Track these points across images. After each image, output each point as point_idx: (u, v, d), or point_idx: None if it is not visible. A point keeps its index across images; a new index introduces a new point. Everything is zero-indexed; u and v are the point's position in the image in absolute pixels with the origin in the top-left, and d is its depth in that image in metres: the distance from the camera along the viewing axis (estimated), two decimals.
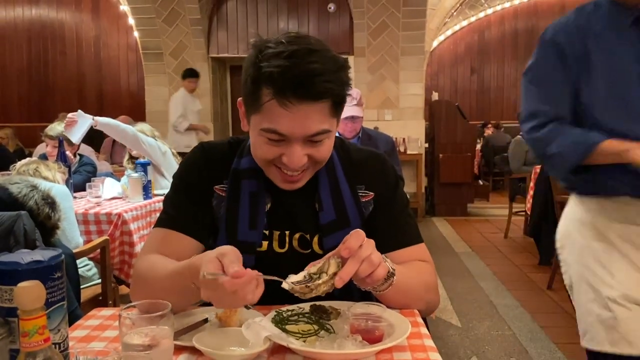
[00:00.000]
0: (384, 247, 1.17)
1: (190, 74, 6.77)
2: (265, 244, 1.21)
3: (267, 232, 1.22)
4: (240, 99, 1.17)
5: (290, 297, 1.10)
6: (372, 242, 1.01)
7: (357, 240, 0.98)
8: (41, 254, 0.78)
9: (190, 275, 0.98)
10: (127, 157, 3.88)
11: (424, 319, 1.14)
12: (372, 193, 1.25)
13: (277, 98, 1.03)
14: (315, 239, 1.21)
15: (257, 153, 1.14)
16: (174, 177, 1.29)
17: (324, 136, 1.09)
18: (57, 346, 0.77)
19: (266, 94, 1.04)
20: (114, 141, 6.14)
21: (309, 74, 1.01)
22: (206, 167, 1.25)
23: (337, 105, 1.09)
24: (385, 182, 1.27)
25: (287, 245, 1.22)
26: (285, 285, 0.97)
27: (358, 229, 1.01)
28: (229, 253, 0.92)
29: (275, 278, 0.97)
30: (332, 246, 1.18)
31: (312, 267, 0.99)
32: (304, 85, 1.01)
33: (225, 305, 0.95)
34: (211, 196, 1.24)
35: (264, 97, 1.05)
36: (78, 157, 3.98)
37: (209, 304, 1.24)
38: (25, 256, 0.77)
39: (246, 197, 1.21)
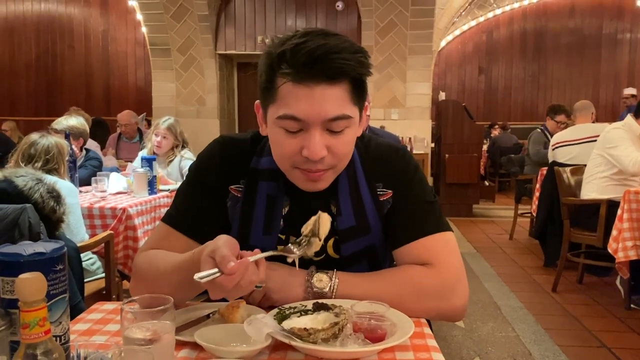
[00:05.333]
0: (397, 242, 1.15)
1: None
2: (280, 249, 1.14)
3: (283, 237, 1.16)
4: (257, 102, 1.12)
5: None
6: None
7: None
8: (43, 246, 0.78)
9: (194, 270, 0.95)
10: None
11: (427, 319, 1.13)
12: (390, 191, 1.18)
13: (292, 78, 0.99)
14: (330, 242, 1.16)
15: (276, 151, 1.08)
16: (190, 169, 1.24)
17: (345, 123, 1.03)
18: (57, 339, 0.77)
19: (280, 78, 1.00)
20: (119, 138, 6.15)
21: (324, 50, 0.97)
22: (223, 165, 1.19)
23: (358, 91, 1.04)
24: (404, 178, 1.18)
25: None
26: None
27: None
28: (220, 248, 0.89)
29: (273, 253, 0.96)
30: (350, 253, 1.16)
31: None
32: (319, 61, 0.97)
33: (237, 295, 0.93)
34: (226, 196, 1.18)
35: (278, 83, 1.01)
36: (84, 151, 3.99)
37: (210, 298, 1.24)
38: (27, 248, 0.77)
39: (263, 199, 1.15)
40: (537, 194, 4.84)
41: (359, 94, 1.05)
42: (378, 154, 1.19)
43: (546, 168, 4.59)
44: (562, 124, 5.55)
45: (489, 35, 11.36)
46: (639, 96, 8.23)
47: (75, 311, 1.12)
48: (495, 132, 10.02)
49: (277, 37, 1.04)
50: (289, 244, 1.01)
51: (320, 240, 1.00)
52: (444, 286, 1.12)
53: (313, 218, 1.01)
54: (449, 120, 7.17)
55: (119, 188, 3.37)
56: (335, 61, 0.97)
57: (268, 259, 0.98)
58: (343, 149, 1.06)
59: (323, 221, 1.01)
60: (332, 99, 1.00)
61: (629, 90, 8.30)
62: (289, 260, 1.03)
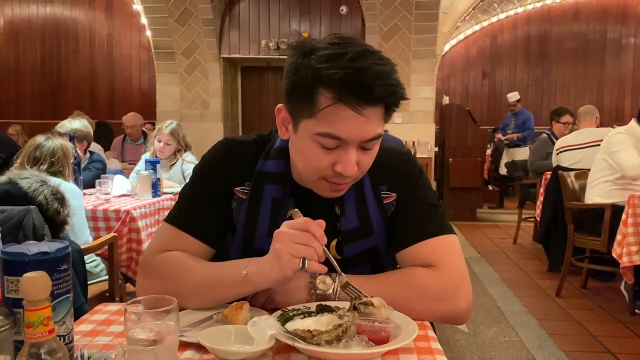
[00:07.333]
0: (400, 244, 1.16)
1: None
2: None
3: None
4: (279, 105, 1.10)
5: None
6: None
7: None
8: (48, 246, 0.78)
9: (244, 264, 1.04)
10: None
11: (431, 323, 1.13)
12: (394, 194, 1.19)
13: (340, 102, 0.98)
14: (333, 243, 1.17)
15: (307, 163, 1.08)
16: (194, 170, 1.24)
17: (376, 142, 1.06)
18: (61, 338, 0.77)
19: (326, 97, 0.99)
20: (124, 140, 6.17)
21: (375, 77, 0.98)
22: (227, 168, 1.19)
23: (391, 109, 1.06)
24: (408, 181, 1.20)
25: None
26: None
27: None
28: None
29: (334, 262, 1.02)
30: (352, 254, 1.16)
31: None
32: (370, 89, 0.98)
33: (297, 250, 0.98)
34: (230, 198, 1.18)
35: (322, 101, 1.00)
36: (88, 154, 4.00)
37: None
38: (32, 247, 0.77)
39: (268, 202, 1.16)
40: (541, 198, 4.83)
41: (390, 112, 1.06)
42: (383, 158, 1.18)
43: (550, 172, 4.58)
44: (568, 124, 5.53)
45: (492, 39, 11.35)
46: (523, 100, 8.40)
47: (78, 313, 1.12)
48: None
49: (313, 46, 1.02)
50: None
51: (372, 305, 0.99)
52: (447, 288, 1.12)
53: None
54: (452, 124, 7.16)
55: (122, 190, 3.38)
56: (382, 87, 0.99)
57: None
58: (369, 162, 1.09)
59: (382, 305, 1.00)
60: (373, 120, 1.02)
61: (514, 96, 8.28)
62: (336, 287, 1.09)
